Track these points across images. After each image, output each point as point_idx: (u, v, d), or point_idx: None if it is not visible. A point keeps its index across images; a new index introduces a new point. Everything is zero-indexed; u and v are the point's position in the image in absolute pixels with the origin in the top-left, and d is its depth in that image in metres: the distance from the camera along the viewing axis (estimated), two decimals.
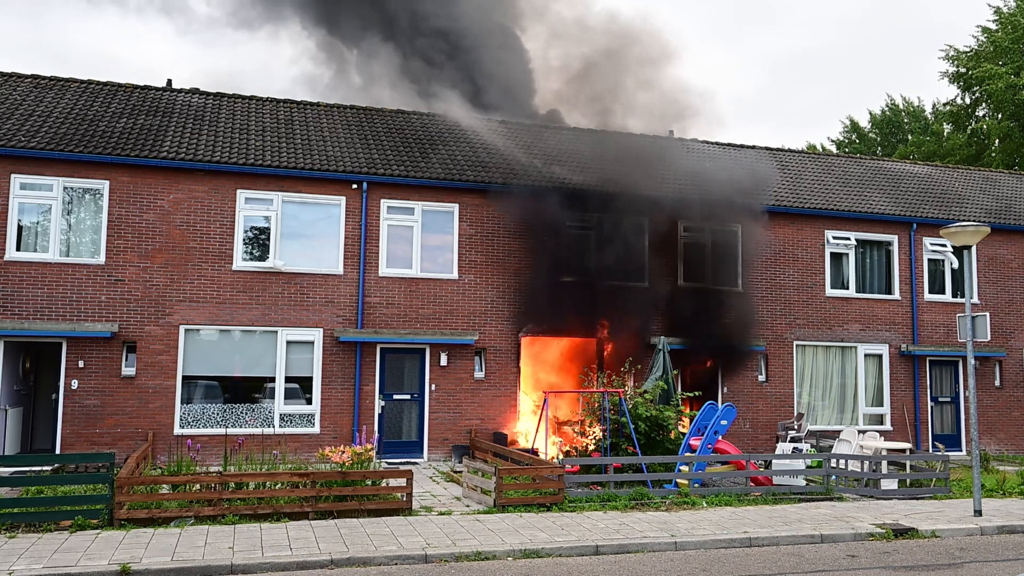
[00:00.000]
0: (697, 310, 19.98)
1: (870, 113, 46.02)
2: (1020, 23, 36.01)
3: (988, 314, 13.66)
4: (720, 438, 15.38)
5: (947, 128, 41.48)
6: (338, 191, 18.44)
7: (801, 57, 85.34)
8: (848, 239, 22.01)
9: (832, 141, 47.04)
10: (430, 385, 18.59)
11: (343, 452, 13.23)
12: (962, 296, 22.51)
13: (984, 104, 38.29)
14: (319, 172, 18.16)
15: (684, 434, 16.23)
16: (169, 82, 21.28)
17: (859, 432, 17.84)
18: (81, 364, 16.65)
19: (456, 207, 19.18)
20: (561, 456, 16.47)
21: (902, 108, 44.81)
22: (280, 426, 17.65)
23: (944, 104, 41.42)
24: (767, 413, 20.80)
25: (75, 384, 16.61)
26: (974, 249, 21.90)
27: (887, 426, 21.61)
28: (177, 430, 17.00)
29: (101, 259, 17.03)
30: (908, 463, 16.12)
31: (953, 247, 22.17)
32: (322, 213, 18.44)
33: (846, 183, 23.79)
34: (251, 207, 18.04)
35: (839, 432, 18.55)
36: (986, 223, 20.69)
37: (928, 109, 44.32)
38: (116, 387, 16.82)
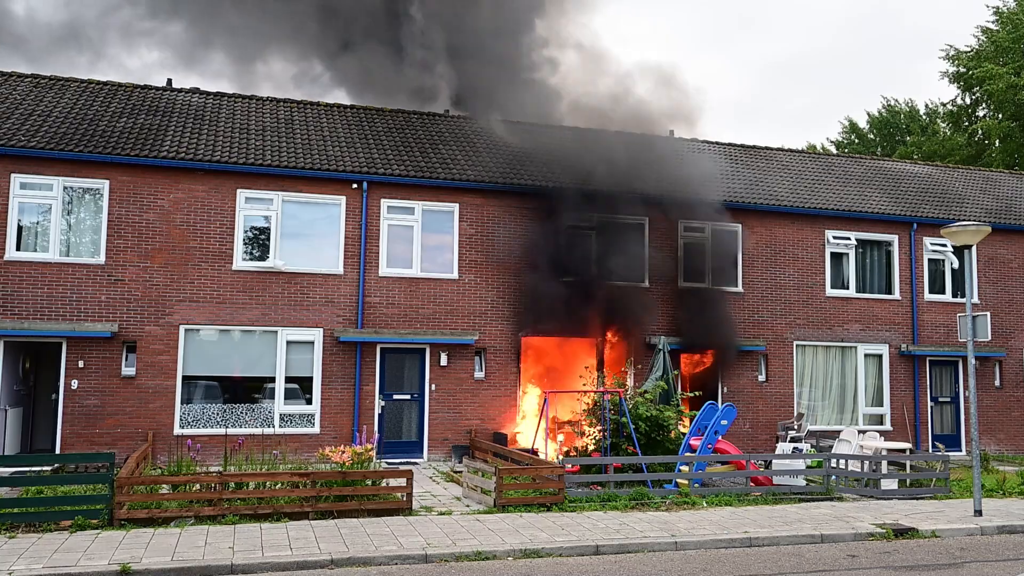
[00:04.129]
0: (697, 310, 19.98)
1: (868, 114, 46.01)
2: (1021, 22, 36.00)
3: (988, 314, 13.64)
4: (720, 438, 15.38)
5: (944, 128, 41.48)
6: (338, 191, 18.43)
7: (796, 61, 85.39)
8: (848, 239, 22.01)
9: (831, 142, 47.01)
10: (430, 385, 18.59)
11: (343, 452, 13.21)
12: (962, 296, 22.51)
13: (984, 104, 38.28)
14: (319, 172, 18.16)
15: (684, 434, 16.22)
16: (169, 82, 21.27)
17: (859, 432, 17.84)
18: (81, 364, 16.65)
19: (456, 207, 19.17)
20: (561, 456, 16.46)
21: (898, 110, 44.75)
22: (280, 426, 17.65)
23: (943, 104, 41.44)
24: (767, 413, 20.79)
25: (75, 384, 16.61)
26: (974, 249, 21.84)
27: (887, 426, 21.61)
28: (177, 430, 16.99)
29: (101, 259, 17.02)
30: (908, 463, 16.11)
31: (953, 247, 22.15)
32: (322, 213, 18.44)
33: (846, 183, 23.79)
34: (251, 207, 18.03)
35: (839, 432, 18.54)
36: (986, 223, 20.66)
37: (922, 110, 44.31)
38: (116, 387, 16.81)
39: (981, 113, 39.12)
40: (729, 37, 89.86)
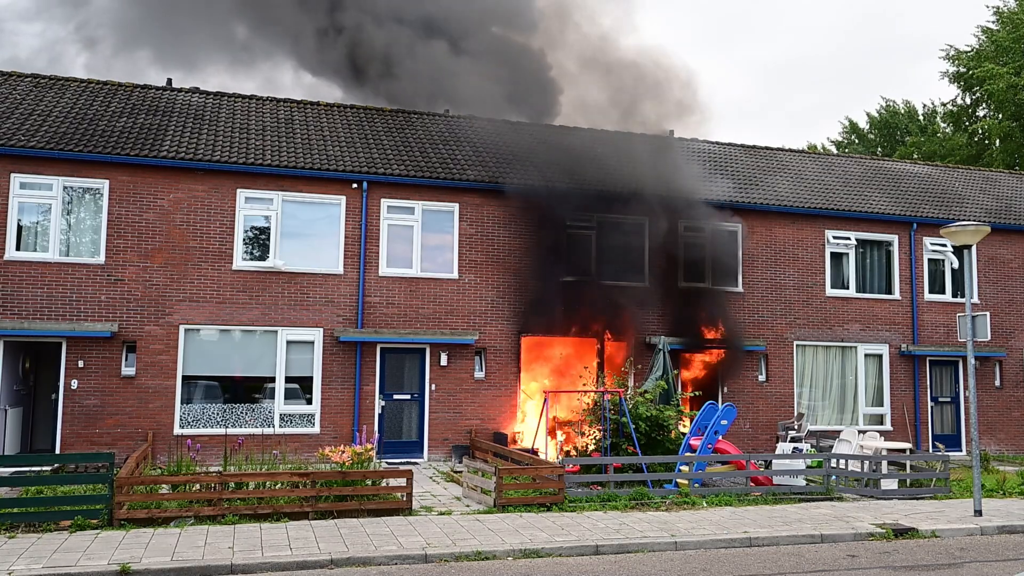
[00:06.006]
0: (697, 309, 19.98)
1: (867, 115, 45.98)
2: (1021, 21, 35.99)
3: (988, 314, 13.63)
4: (720, 438, 15.38)
5: (944, 128, 41.45)
6: (338, 190, 18.43)
7: (797, 62, 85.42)
8: (848, 239, 22.00)
9: (831, 142, 46.98)
10: (430, 385, 18.58)
11: (343, 452, 13.22)
12: (962, 296, 22.49)
13: (985, 104, 38.26)
14: (319, 171, 18.15)
15: (684, 434, 16.22)
16: (169, 81, 21.26)
17: (859, 432, 17.84)
18: (81, 364, 16.64)
19: (456, 207, 19.17)
20: (561, 456, 16.46)
21: (897, 110, 44.72)
22: (280, 426, 17.64)
23: (943, 104, 41.42)
24: (767, 413, 20.79)
25: (75, 384, 16.60)
26: (974, 249, 21.85)
27: (887, 426, 21.60)
28: (177, 430, 16.99)
29: (101, 259, 17.02)
30: (908, 463, 16.11)
31: (953, 247, 22.15)
32: (322, 213, 18.43)
33: (846, 183, 23.78)
34: (251, 207, 18.02)
35: (839, 432, 18.54)
36: (986, 223, 20.65)
37: (920, 111, 44.28)
38: (116, 387, 16.81)
39: (981, 113, 39.10)
40: (730, 38, 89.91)
